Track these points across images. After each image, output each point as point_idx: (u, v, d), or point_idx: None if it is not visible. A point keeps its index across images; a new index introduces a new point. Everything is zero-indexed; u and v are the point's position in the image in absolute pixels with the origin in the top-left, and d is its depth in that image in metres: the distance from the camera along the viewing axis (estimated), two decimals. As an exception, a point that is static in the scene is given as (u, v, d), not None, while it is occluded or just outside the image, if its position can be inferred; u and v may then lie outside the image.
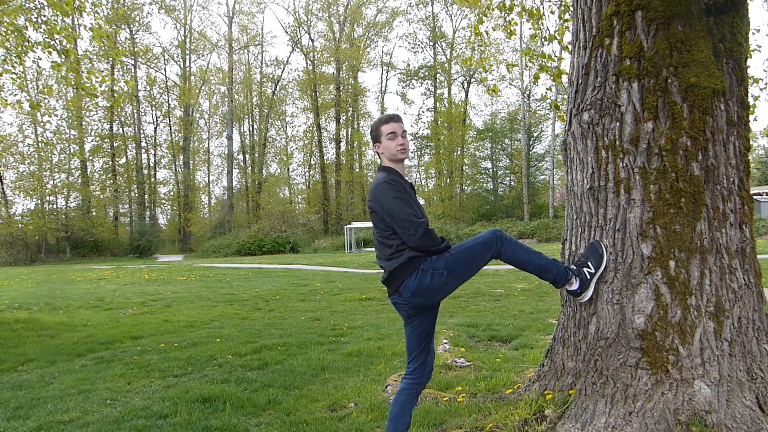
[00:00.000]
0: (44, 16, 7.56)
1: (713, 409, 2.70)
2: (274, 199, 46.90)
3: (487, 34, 6.07)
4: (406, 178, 2.95)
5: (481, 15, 5.86)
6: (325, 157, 48.14)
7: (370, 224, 38.64)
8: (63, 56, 7.68)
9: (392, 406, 2.92)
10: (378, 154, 2.98)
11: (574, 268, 3.03)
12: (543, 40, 5.68)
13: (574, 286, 3.00)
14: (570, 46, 3.76)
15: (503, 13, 5.71)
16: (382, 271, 2.88)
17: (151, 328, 7.90)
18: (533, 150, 44.39)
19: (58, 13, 7.25)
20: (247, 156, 49.38)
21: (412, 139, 49.29)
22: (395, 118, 2.94)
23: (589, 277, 2.99)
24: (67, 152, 39.66)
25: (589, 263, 3.00)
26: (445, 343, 5.72)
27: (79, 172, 40.84)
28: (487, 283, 12.14)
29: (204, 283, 15.31)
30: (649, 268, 2.91)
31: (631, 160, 3.00)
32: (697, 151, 2.94)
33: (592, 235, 3.16)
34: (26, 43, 7.63)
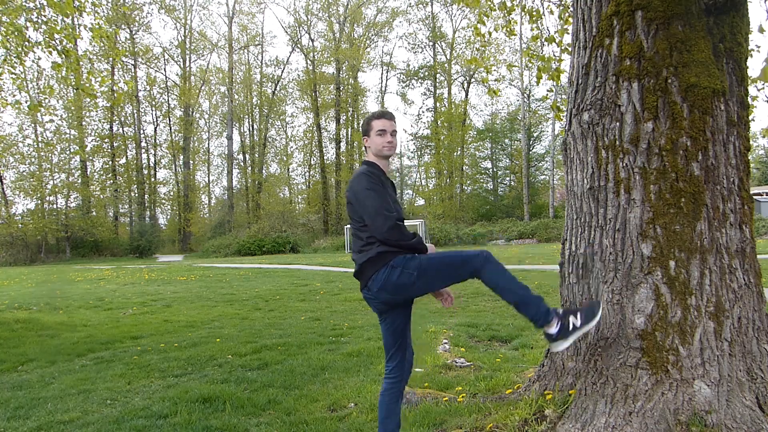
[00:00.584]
0: (44, 16, 7.56)
1: (713, 409, 2.70)
2: (274, 199, 46.91)
3: (489, 34, 6.06)
4: (389, 175, 2.96)
5: (482, 15, 5.86)
6: (325, 157, 48.17)
7: (370, 224, 39.00)
8: (63, 56, 7.68)
9: (379, 409, 2.92)
10: (365, 147, 2.99)
11: (561, 312, 2.74)
12: (543, 40, 5.68)
13: (553, 329, 2.69)
14: (570, 47, 3.76)
15: (503, 12, 5.71)
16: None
17: (151, 328, 7.90)
18: (533, 150, 44.42)
19: (58, 13, 7.25)
20: (247, 156, 49.39)
21: (412, 139, 49.39)
22: (387, 116, 2.94)
23: (572, 328, 2.69)
24: (68, 152, 39.67)
25: (578, 314, 2.73)
26: (445, 343, 5.72)
27: (79, 172, 40.86)
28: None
29: (204, 283, 15.31)
30: (649, 268, 2.91)
31: (631, 160, 3.00)
32: (697, 151, 2.94)
33: (592, 235, 3.16)
34: (26, 43, 7.63)
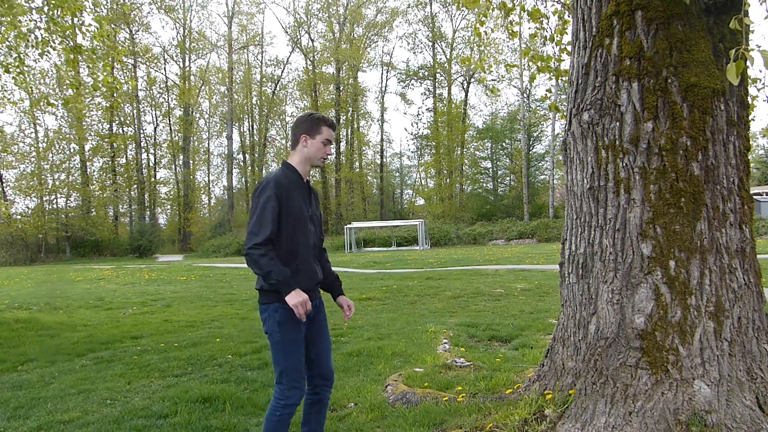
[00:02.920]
0: (53, 15, 7.55)
1: (713, 409, 2.70)
2: (274, 199, 46.83)
3: (486, 34, 6.06)
4: (306, 180, 2.83)
5: (480, 16, 5.85)
6: (325, 157, 48.10)
7: (370, 224, 38.84)
8: (73, 54, 7.69)
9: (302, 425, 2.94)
10: (300, 146, 2.78)
11: None
12: (544, 40, 5.67)
13: None
14: (569, 47, 3.76)
15: (503, 12, 5.70)
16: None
17: (151, 328, 7.90)
18: (533, 150, 44.43)
19: (66, 12, 7.26)
20: (247, 156, 49.38)
21: (411, 139, 49.38)
22: (335, 127, 2.83)
23: None
24: (67, 152, 39.69)
25: None
26: (445, 343, 5.72)
27: (79, 171, 40.87)
28: (487, 283, 12.14)
29: (204, 283, 15.31)
30: (649, 268, 2.91)
31: (631, 160, 3.00)
32: (697, 151, 2.94)
33: (592, 235, 3.16)
34: (31, 42, 7.64)
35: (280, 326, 2.67)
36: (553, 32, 5.67)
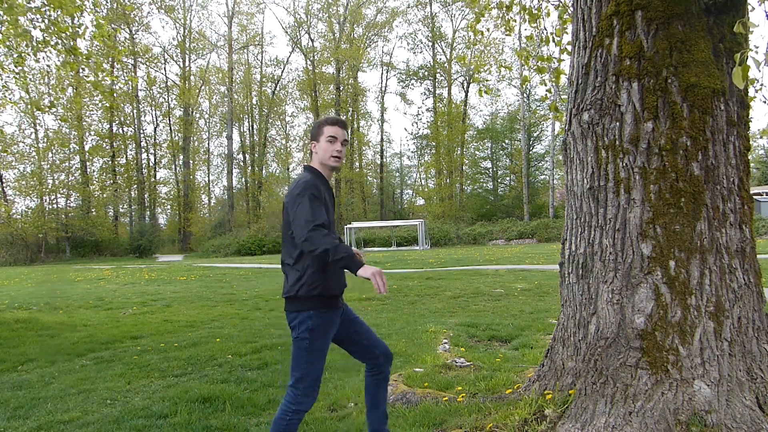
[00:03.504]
0: (49, 15, 7.55)
1: (713, 408, 2.70)
2: (275, 199, 46.92)
3: (488, 30, 6.06)
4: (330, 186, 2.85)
5: (479, 14, 5.85)
6: (324, 157, 48.10)
7: (370, 224, 38.84)
8: (72, 56, 7.69)
9: (365, 400, 2.99)
10: (311, 152, 2.82)
11: None
12: (542, 40, 5.67)
13: None
14: (569, 47, 3.76)
15: (503, 11, 5.70)
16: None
17: (151, 328, 7.90)
18: (533, 150, 44.43)
19: (64, 13, 7.26)
20: (247, 156, 49.39)
21: (412, 139, 49.38)
22: (341, 123, 2.78)
23: None
24: (67, 152, 39.68)
25: None
26: (445, 343, 5.72)
27: (79, 171, 40.87)
28: (487, 282, 12.14)
29: (204, 283, 15.31)
30: (649, 268, 2.91)
31: (631, 160, 3.00)
32: (697, 151, 2.94)
33: (592, 235, 3.16)
34: (29, 43, 7.63)
35: (311, 334, 2.68)
36: (553, 32, 5.67)
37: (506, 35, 6.36)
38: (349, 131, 48.79)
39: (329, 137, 2.74)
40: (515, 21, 5.98)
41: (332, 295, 2.70)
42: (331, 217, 2.77)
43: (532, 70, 5.89)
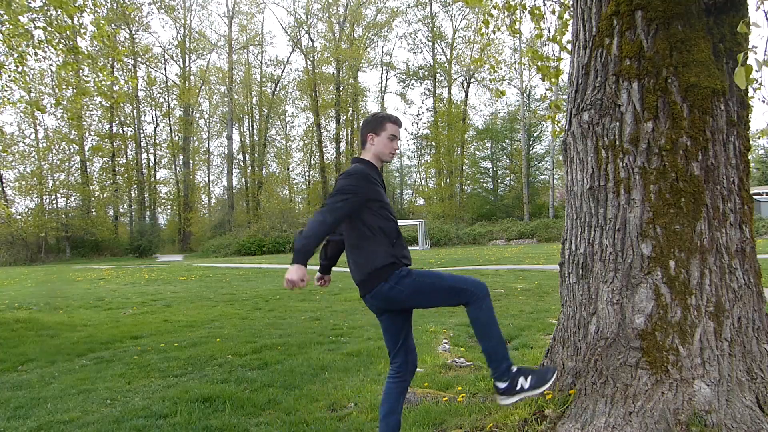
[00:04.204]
0: (50, 15, 7.55)
1: (713, 408, 2.70)
2: (275, 199, 46.93)
3: (486, 35, 6.06)
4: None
5: (486, 15, 5.86)
6: (325, 157, 48.17)
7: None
8: (72, 55, 7.69)
9: (381, 405, 2.94)
10: (368, 144, 2.90)
11: (515, 370, 2.77)
12: (546, 39, 5.67)
13: (502, 385, 2.76)
14: (569, 46, 3.76)
15: (509, 13, 5.71)
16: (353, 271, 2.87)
17: (151, 328, 7.90)
18: (533, 150, 44.43)
19: (63, 13, 7.26)
20: (247, 156, 49.39)
21: (412, 139, 49.41)
22: (401, 124, 2.97)
23: (518, 388, 2.72)
24: (67, 152, 39.68)
25: (530, 377, 2.74)
26: (445, 343, 5.72)
27: (79, 171, 40.87)
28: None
29: (204, 283, 15.31)
30: (649, 268, 2.91)
31: (631, 160, 3.00)
32: (697, 151, 2.94)
33: (592, 235, 3.16)
34: (30, 42, 7.64)
35: (408, 273, 2.75)
36: (554, 32, 5.67)
37: (512, 36, 6.36)
38: (349, 131, 48.85)
39: (391, 135, 2.89)
40: (519, 21, 5.99)
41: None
42: (386, 198, 2.91)
43: (534, 71, 5.90)
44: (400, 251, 2.81)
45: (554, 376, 2.77)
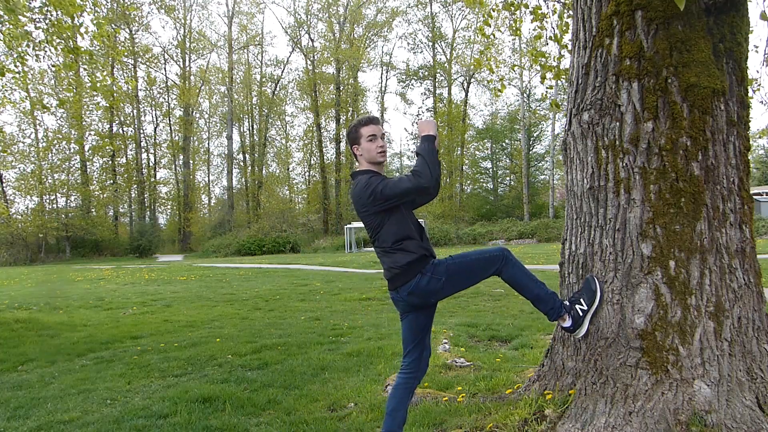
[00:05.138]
0: (50, 15, 7.55)
1: (713, 408, 2.70)
2: (275, 199, 46.92)
3: (494, 35, 6.06)
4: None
5: (487, 16, 5.86)
6: (325, 157, 48.17)
7: (370, 224, 38.92)
8: (72, 55, 7.69)
9: (389, 400, 2.97)
10: (356, 156, 2.95)
11: (567, 304, 2.98)
12: (548, 39, 5.67)
13: (567, 323, 2.97)
14: (570, 46, 3.76)
15: (511, 13, 5.72)
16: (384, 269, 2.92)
17: (151, 327, 7.90)
18: (533, 150, 44.41)
19: (63, 13, 7.26)
20: (247, 156, 49.38)
21: (412, 139, 49.34)
22: (375, 121, 2.94)
23: (581, 314, 2.95)
24: (67, 152, 39.67)
25: (582, 300, 2.98)
26: (445, 343, 5.72)
27: (79, 171, 40.86)
28: (487, 282, 12.09)
29: (204, 283, 15.31)
30: (649, 268, 2.91)
31: (631, 160, 3.00)
32: (697, 150, 2.94)
33: (592, 235, 3.16)
34: (30, 43, 7.63)
35: (439, 262, 2.82)
36: (555, 32, 5.68)
37: (514, 36, 6.37)
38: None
39: (369, 137, 2.89)
40: (521, 21, 6.00)
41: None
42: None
43: (535, 70, 5.91)
44: (427, 245, 2.89)
45: (597, 282, 2.98)
